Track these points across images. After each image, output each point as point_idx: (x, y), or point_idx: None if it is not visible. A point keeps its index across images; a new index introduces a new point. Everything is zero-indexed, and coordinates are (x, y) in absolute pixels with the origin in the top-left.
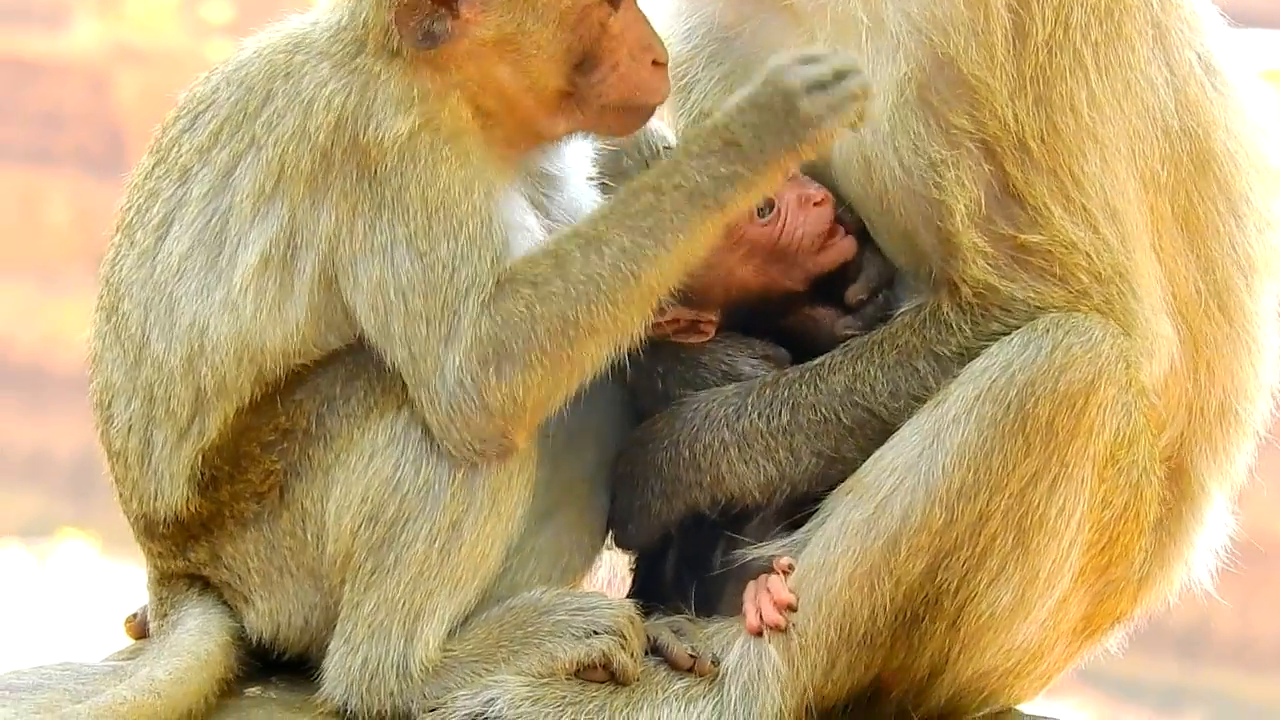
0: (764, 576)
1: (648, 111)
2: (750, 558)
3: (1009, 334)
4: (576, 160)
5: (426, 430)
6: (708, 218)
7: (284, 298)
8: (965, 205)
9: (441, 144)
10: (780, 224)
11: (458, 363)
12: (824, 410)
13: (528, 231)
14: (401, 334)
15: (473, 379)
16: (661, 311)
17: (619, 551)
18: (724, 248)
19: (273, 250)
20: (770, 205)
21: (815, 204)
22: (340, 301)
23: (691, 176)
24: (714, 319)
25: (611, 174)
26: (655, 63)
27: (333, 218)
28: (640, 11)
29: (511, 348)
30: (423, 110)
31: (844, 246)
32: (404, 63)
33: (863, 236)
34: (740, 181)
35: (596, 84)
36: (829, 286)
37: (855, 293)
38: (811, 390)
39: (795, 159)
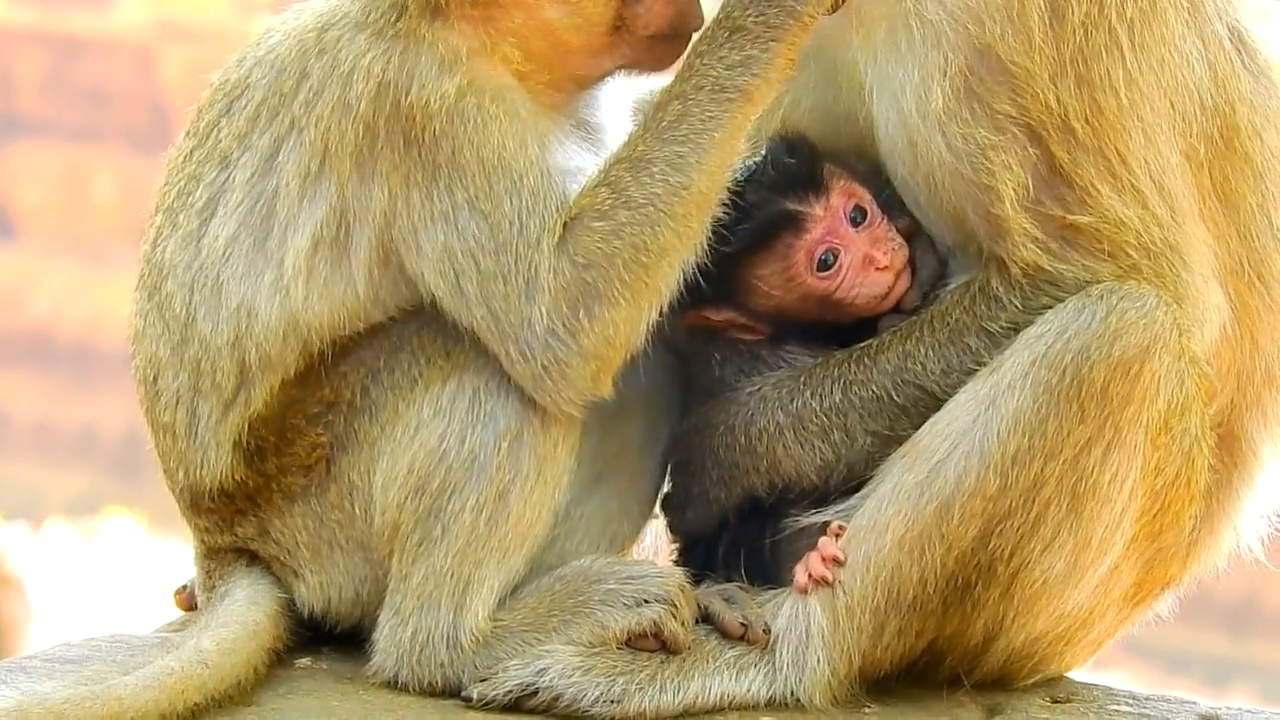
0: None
1: (686, 39)
2: (802, 525)
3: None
4: (615, 110)
5: (472, 401)
6: (735, 109)
7: (336, 276)
8: (1014, 189)
9: (489, 102)
10: (839, 280)
11: (545, 312)
12: (876, 389)
13: (584, 174)
14: (478, 294)
15: (564, 325)
16: (717, 310)
17: (671, 537)
18: (781, 286)
19: (324, 231)
20: (834, 257)
21: (879, 268)
22: (395, 274)
23: (708, 73)
24: (767, 327)
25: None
26: None
27: (385, 191)
28: None
29: (596, 285)
30: (469, 69)
31: (897, 294)
32: (446, 22)
33: (915, 236)
34: (755, 64)
35: (643, 14)
36: None
37: (910, 300)
38: (862, 369)
39: (803, 27)
